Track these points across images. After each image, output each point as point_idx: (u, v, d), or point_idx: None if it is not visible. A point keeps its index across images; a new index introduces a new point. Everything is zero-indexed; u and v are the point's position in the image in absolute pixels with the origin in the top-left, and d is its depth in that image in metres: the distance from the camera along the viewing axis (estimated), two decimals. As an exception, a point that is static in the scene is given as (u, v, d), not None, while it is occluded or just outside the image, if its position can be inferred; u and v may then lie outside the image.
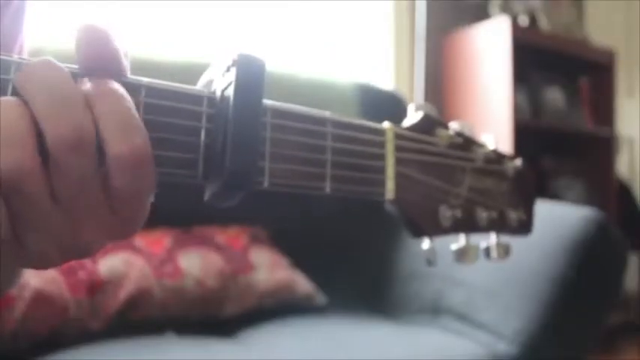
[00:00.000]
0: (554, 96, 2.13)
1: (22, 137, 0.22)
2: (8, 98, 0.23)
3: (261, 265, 0.97)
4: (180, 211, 0.94)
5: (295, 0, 1.76)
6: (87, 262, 0.84)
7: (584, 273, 0.82)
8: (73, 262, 0.82)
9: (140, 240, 0.91)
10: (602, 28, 2.37)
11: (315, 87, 1.19)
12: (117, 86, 0.25)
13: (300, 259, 1.04)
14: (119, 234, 0.27)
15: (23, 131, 0.22)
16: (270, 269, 0.98)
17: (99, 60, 0.25)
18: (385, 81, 1.87)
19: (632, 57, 2.51)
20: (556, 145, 2.20)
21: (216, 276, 0.91)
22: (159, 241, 0.93)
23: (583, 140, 2.19)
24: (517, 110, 1.89)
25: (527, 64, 2.00)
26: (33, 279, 0.77)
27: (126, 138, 0.24)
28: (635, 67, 2.55)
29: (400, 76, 1.95)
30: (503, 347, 0.82)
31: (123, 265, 0.85)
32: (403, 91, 1.78)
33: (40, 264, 0.26)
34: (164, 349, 0.77)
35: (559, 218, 0.87)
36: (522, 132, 1.84)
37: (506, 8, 2.03)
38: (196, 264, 0.91)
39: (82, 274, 0.82)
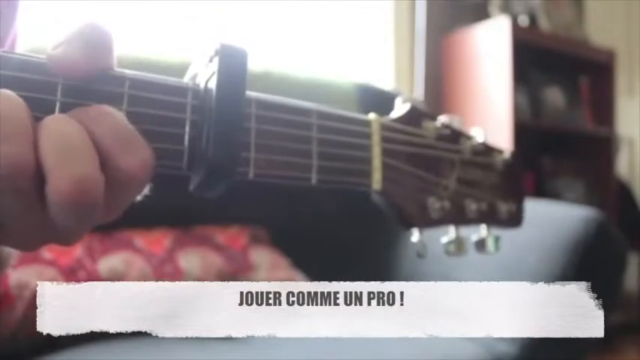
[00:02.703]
0: (554, 96, 2.13)
1: None
2: None
3: (261, 265, 0.97)
4: (180, 211, 0.94)
5: (295, 0, 1.76)
6: (87, 262, 0.84)
7: (584, 273, 0.82)
8: (73, 263, 0.82)
9: (140, 240, 0.91)
10: (602, 28, 2.37)
11: (315, 87, 1.19)
12: (60, 116, 0.25)
13: (300, 259, 1.04)
14: (58, 242, 0.27)
15: None
16: (270, 269, 0.98)
17: (91, 51, 0.26)
18: (385, 81, 1.87)
19: (632, 57, 2.51)
20: (556, 145, 2.20)
21: (216, 276, 0.91)
22: (159, 241, 0.93)
23: (583, 140, 2.19)
24: (517, 110, 1.88)
25: (527, 64, 2.00)
26: (33, 279, 0.77)
27: (66, 168, 0.23)
28: (635, 67, 2.55)
29: (400, 76, 1.95)
30: (503, 347, 0.82)
31: (123, 265, 0.85)
32: (403, 91, 1.78)
33: None
34: (164, 349, 0.77)
35: (559, 218, 0.87)
36: (522, 132, 1.84)
37: (506, 8, 2.03)
38: (196, 264, 0.91)
39: (82, 275, 0.82)
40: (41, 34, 0.85)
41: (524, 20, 2.04)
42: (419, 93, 1.95)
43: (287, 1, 1.74)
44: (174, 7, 1.53)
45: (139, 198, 0.28)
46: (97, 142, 0.24)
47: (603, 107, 2.18)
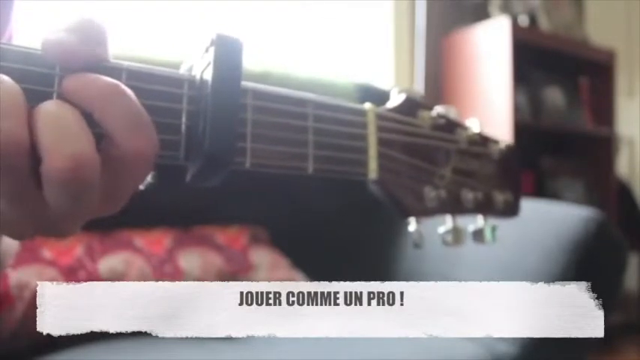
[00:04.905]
0: (554, 96, 2.13)
1: None
2: None
3: (261, 265, 0.97)
4: (180, 211, 0.94)
5: (296, 0, 1.76)
6: (87, 262, 0.84)
7: (584, 273, 0.82)
8: (73, 262, 0.82)
9: (140, 240, 0.91)
10: (602, 28, 2.37)
11: (315, 87, 1.19)
12: (56, 101, 0.25)
13: (300, 259, 1.04)
14: (53, 232, 0.27)
15: None
16: (270, 269, 0.98)
17: (86, 43, 0.26)
18: (385, 81, 1.87)
19: (632, 57, 2.51)
20: (556, 145, 2.20)
21: (216, 276, 0.91)
22: (159, 241, 0.93)
23: (583, 140, 2.19)
24: (517, 110, 1.88)
25: (527, 64, 2.00)
26: (33, 279, 0.77)
27: (61, 146, 0.23)
28: (635, 67, 2.55)
29: (400, 76, 1.95)
30: (503, 347, 0.82)
31: (123, 265, 0.85)
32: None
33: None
34: (164, 349, 0.77)
35: (559, 218, 0.87)
36: (522, 132, 1.84)
37: (506, 8, 2.03)
38: (196, 264, 0.91)
39: (81, 274, 0.82)
40: (38, 32, 0.85)
41: (524, 20, 2.04)
42: (419, 93, 1.95)
43: (287, 1, 1.74)
44: (174, 7, 1.53)
45: (142, 187, 0.28)
46: (105, 121, 0.25)
47: (603, 107, 2.18)
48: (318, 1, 1.81)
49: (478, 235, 0.42)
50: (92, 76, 0.25)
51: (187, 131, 0.28)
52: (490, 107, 1.89)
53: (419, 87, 1.96)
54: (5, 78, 0.24)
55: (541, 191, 2.05)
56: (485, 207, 0.42)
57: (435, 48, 1.99)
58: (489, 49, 1.91)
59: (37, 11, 1.18)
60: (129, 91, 0.26)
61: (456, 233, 0.40)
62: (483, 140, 0.43)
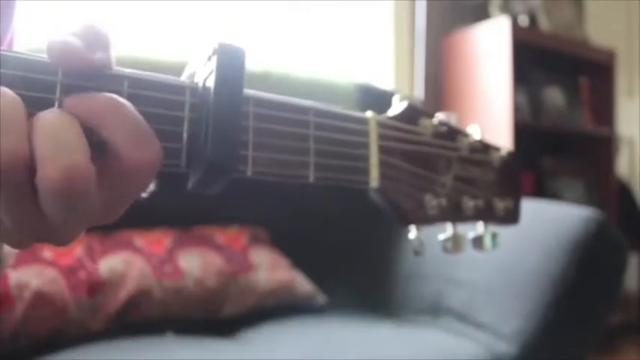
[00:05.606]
0: (554, 96, 2.13)
1: None
2: None
3: (261, 265, 0.97)
4: (180, 211, 0.94)
5: (296, 0, 1.76)
6: (87, 262, 0.84)
7: (584, 273, 0.82)
8: (73, 263, 0.82)
9: (140, 240, 0.91)
10: (602, 28, 2.37)
11: (315, 87, 1.19)
12: (53, 110, 0.25)
13: (300, 259, 1.04)
14: (51, 240, 0.27)
15: None
16: (270, 269, 0.98)
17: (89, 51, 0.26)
18: (385, 81, 1.87)
19: (632, 57, 2.51)
20: (556, 145, 2.20)
21: (216, 276, 0.91)
22: (159, 241, 0.93)
23: (583, 140, 2.19)
24: (517, 110, 1.88)
25: (527, 64, 2.00)
26: (33, 279, 0.77)
27: (56, 157, 0.23)
28: (635, 67, 2.55)
29: (400, 76, 1.95)
30: (503, 347, 0.82)
31: (123, 265, 0.85)
32: (403, 91, 1.78)
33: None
34: (164, 349, 0.77)
35: (559, 218, 0.87)
36: (522, 132, 1.84)
37: (506, 8, 2.03)
38: (196, 264, 0.91)
39: (82, 274, 0.82)
40: (39, 34, 0.85)
41: (524, 20, 2.04)
42: (419, 93, 1.95)
43: (287, 2, 1.74)
44: (174, 7, 1.53)
45: (144, 195, 0.28)
46: (108, 134, 0.25)
47: (603, 107, 2.18)
48: (318, 1, 1.81)
49: (478, 242, 0.42)
50: (92, 93, 0.26)
51: (189, 139, 0.28)
52: (490, 107, 1.89)
53: (419, 87, 1.96)
54: (5, 90, 0.24)
55: (541, 191, 2.05)
56: (485, 214, 0.42)
57: (435, 48, 1.99)
58: (489, 49, 1.91)
59: (37, 12, 1.18)
60: (127, 103, 0.26)
61: (456, 240, 0.40)
62: (484, 147, 0.43)
